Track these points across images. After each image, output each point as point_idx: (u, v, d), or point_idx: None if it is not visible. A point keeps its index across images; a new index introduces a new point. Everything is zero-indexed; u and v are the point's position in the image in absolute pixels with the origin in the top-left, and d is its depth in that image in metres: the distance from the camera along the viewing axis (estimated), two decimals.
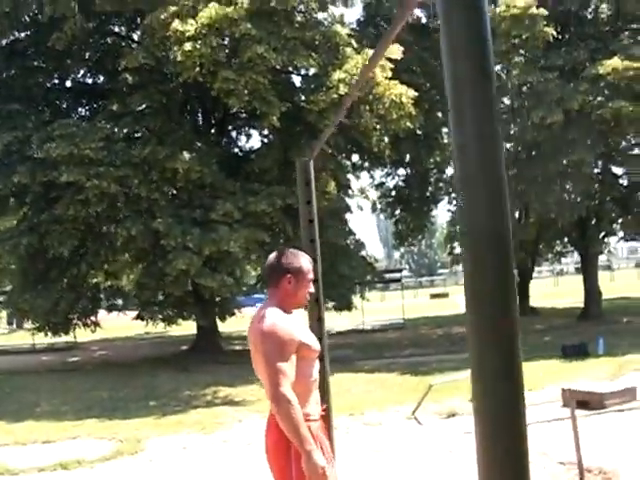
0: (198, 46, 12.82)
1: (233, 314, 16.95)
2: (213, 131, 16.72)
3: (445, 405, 8.61)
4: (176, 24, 12.77)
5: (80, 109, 16.73)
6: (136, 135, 15.40)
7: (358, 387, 11.39)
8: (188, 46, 12.71)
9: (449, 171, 23.69)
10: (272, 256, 3.52)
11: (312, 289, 3.41)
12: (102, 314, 18.32)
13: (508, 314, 1.25)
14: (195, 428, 8.73)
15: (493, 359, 1.25)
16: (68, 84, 17.37)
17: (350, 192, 20.96)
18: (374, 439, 7.48)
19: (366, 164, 22.45)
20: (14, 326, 30.24)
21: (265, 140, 17.70)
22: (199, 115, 16.57)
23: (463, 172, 1.27)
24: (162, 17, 13.09)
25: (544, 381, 9.79)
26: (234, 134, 17.82)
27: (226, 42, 13.53)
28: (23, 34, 16.27)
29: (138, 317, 17.22)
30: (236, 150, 17.19)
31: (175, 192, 15.48)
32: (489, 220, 1.24)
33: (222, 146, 16.23)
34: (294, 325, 3.32)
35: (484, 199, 1.24)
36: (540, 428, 6.70)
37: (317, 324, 3.72)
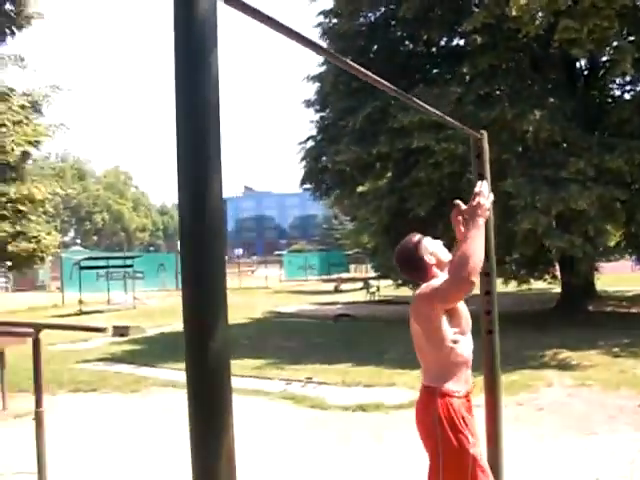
0: None
1: (586, 274, 16.17)
2: (567, 84, 15.99)
3: None
4: None
5: (436, 74, 17.25)
6: (487, 96, 15.40)
7: None
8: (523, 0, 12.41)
9: None
10: (401, 257, 3.56)
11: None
12: None
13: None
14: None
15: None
16: (431, 50, 18.06)
17: None
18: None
19: None
20: None
21: (626, 87, 16.45)
22: (551, 69, 15.97)
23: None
24: None
25: None
26: (596, 84, 16.75)
27: None
28: (383, 8, 17.30)
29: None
30: (595, 101, 16.17)
31: (526, 151, 15.23)
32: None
33: (578, 99, 15.45)
34: None
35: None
36: None
37: (484, 298, 3.71)
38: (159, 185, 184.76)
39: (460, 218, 3.46)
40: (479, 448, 3.40)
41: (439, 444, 3.32)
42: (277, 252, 72.64)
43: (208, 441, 1.42)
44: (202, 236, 1.40)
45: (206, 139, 1.43)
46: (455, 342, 3.34)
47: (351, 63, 2.32)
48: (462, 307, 3.48)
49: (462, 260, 3.06)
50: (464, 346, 3.40)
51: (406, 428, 7.15)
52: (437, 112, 3.40)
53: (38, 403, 4.21)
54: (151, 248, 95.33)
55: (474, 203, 3.22)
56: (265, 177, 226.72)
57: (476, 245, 3.10)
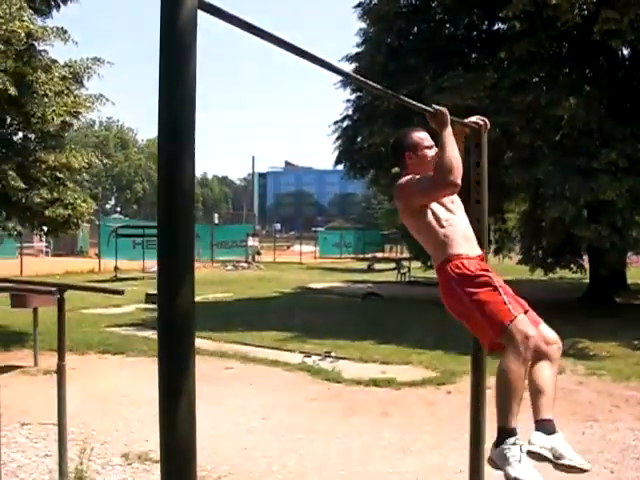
0: None
1: (616, 265, 16.15)
2: (607, 73, 15.85)
3: None
4: None
5: (475, 58, 17.20)
6: (523, 82, 15.35)
7: None
8: None
9: None
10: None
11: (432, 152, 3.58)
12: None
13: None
14: None
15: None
16: (471, 34, 17.96)
17: None
18: None
19: None
20: None
21: None
22: (591, 58, 15.83)
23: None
24: None
25: None
26: (638, 75, 16.50)
27: None
28: None
29: (520, 262, 17.55)
30: (635, 92, 15.95)
31: (560, 139, 15.21)
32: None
33: (618, 88, 15.29)
34: None
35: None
36: None
37: None
38: (202, 157, 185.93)
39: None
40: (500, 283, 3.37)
41: (464, 297, 3.30)
42: (314, 228, 73.02)
43: (173, 384, 1.73)
44: (176, 213, 1.70)
45: (182, 127, 1.70)
46: (443, 226, 3.43)
47: (355, 75, 2.53)
48: None
49: (442, 166, 3.28)
50: (456, 226, 3.48)
51: (414, 404, 7.44)
52: (414, 102, 3.56)
53: (61, 357, 4.55)
54: None
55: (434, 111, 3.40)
56: (306, 153, 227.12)
57: (449, 149, 3.32)
